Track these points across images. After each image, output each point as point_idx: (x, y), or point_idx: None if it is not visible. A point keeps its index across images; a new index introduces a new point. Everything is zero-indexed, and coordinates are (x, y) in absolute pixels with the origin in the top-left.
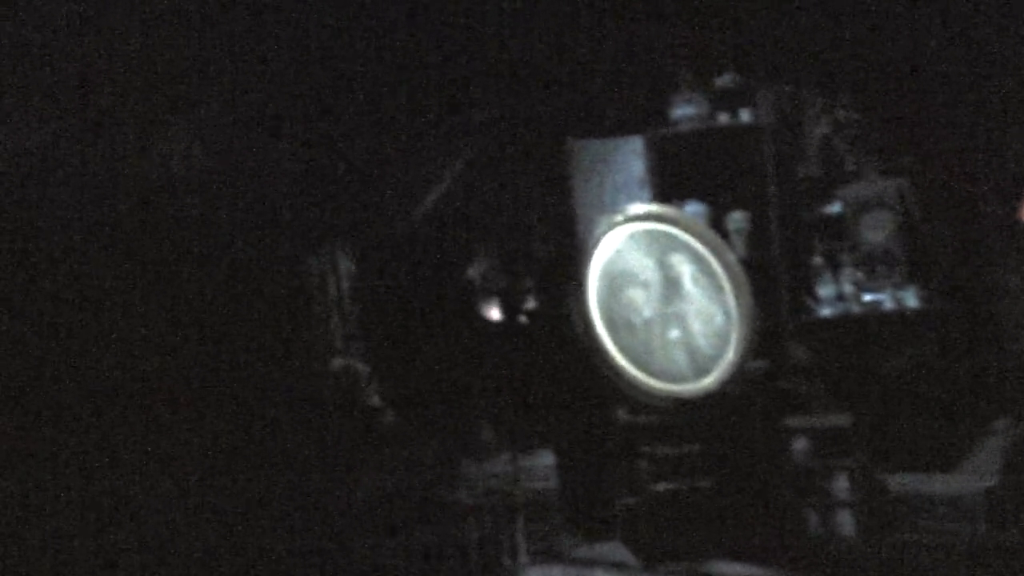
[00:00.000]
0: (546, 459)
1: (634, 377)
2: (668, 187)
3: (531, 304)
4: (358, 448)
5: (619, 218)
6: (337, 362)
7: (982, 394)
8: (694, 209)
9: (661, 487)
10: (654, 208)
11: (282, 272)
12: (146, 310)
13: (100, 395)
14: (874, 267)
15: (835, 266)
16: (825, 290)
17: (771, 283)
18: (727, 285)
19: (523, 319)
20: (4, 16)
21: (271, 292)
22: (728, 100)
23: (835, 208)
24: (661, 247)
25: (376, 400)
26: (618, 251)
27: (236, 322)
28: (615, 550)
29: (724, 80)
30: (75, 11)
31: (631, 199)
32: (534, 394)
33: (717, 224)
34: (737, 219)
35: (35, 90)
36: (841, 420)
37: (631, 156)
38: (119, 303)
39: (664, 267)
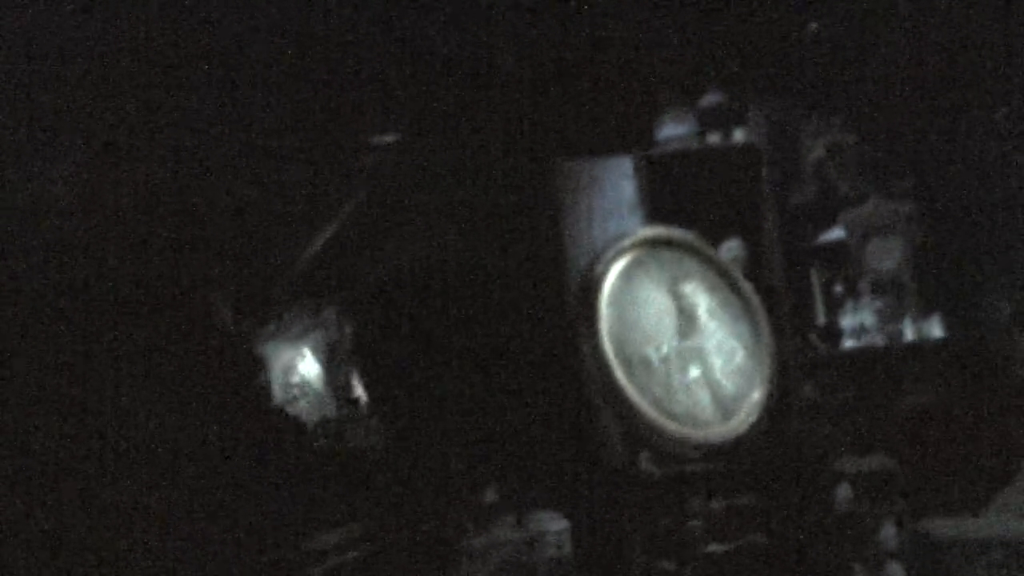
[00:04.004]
0: (556, 523)
1: (656, 422)
2: (660, 212)
3: (525, 341)
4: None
5: (626, 243)
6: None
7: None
8: None
9: (714, 548)
10: (664, 231)
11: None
12: None
13: None
14: (883, 296)
15: (852, 296)
16: (844, 320)
17: (774, 316)
18: (744, 317)
19: (517, 358)
20: None
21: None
22: (718, 119)
23: (836, 234)
24: (672, 275)
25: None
26: (627, 280)
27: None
28: None
29: (711, 98)
30: None
31: (621, 225)
32: (537, 445)
33: None
34: (732, 247)
35: None
36: (885, 463)
37: (620, 178)
38: None
39: (677, 297)
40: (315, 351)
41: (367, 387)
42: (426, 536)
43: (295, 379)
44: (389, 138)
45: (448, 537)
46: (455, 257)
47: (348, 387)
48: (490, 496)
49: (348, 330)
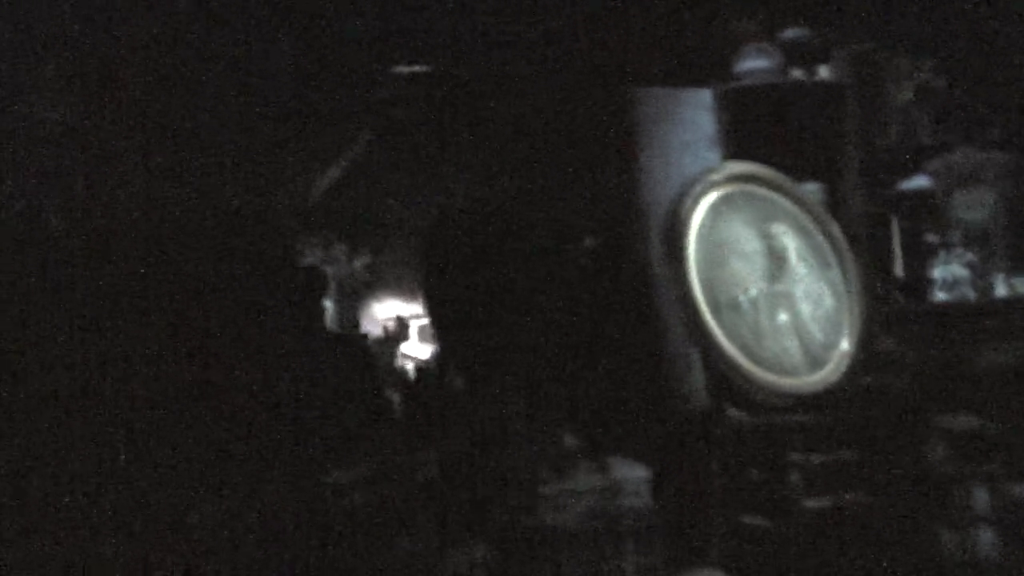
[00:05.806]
0: (636, 470)
1: (744, 368)
2: (738, 147)
3: (600, 279)
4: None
5: (716, 176)
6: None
7: None
8: None
9: (812, 503)
10: (755, 168)
11: None
12: None
13: None
14: (971, 249)
15: (944, 247)
16: (936, 272)
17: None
18: (834, 263)
19: (591, 297)
20: None
21: None
22: (802, 54)
23: (919, 182)
24: (762, 214)
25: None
26: (716, 216)
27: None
28: None
29: (791, 33)
30: None
31: (698, 160)
32: (614, 388)
33: None
34: (811, 190)
35: None
36: (978, 421)
37: (699, 110)
38: None
39: (767, 238)
40: None
41: (434, 327)
42: (490, 480)
43: None
44: (414, 68)
45: (523, 482)
46: (522, 189)
47: (357, 323)
48: (568, 442)
49: (357, 265)
